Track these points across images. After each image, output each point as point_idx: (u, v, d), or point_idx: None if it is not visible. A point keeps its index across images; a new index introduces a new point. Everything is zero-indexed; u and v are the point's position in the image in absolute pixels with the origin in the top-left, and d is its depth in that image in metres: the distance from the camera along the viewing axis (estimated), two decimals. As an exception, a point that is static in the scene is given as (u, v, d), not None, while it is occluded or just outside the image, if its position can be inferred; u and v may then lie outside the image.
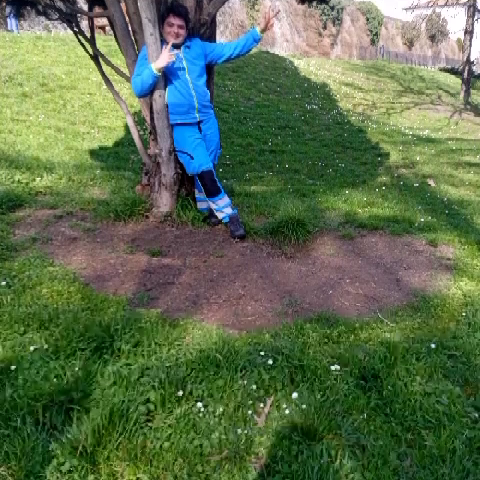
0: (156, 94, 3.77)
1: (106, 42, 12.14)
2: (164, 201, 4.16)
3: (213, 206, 4.01)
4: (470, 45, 19.68)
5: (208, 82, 4.06)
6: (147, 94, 3.81)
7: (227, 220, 4.01)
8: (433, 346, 2.35)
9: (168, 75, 3.75)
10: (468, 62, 19.32)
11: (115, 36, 4.20)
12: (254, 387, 2.06)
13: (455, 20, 28.97)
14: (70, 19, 4.26)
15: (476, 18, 20.50)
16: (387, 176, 6.81)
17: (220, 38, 20.81)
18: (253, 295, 3.05)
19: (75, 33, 4.41)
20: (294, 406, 1.95)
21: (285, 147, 8.83)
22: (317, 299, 3.03)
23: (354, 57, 29.19)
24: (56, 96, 9.48)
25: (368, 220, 4.40)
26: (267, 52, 18.86)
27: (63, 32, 11.81)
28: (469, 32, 19.68)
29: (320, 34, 27.79)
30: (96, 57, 4.51)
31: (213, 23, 4.19)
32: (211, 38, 4.20)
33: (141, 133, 4.76)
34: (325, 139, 9.83)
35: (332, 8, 26.81)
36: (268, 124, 10.42)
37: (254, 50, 18.60)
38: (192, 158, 3.90)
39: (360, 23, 30.32)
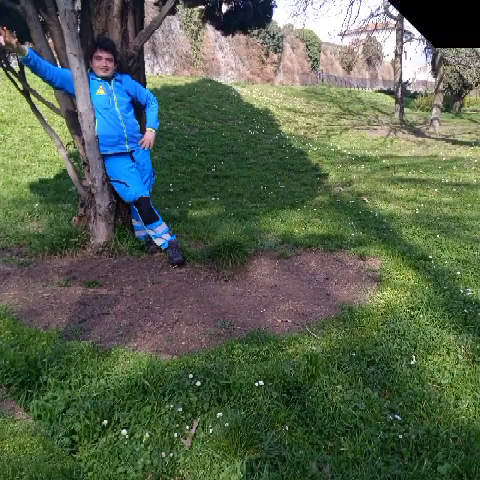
0: (85, 126, 3.81)
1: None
2: (100, 231, 4.17)
3: (151, 233, 4.06)
4: (401, 66, 20.79)
5: (137, 113, 4.15)
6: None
7: (166, 246, 4.06)
8: (354, 354, 2.46)
9: (98, 107, 3.81)
10: (400, 83, 20.39)
11: None
12: (180, 410, 2.09)
13: (388, 43, 30.71)
14: None
15: (405, 40, 21.78)
16: (325, 195, 7.06)
17: (166, 68, 21.11)
18: (188, 320, 3.09)
19: (4, 69, 4.40)
20: (219, 425, 1.99)
21: (229, 172, 9.00)
22: (250, 319, 3.11)
23: (297, 83, 30.21)
24: None
25: (304, 239, 4.55)
26: (210, 80, 19.26)
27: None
28: (399, 55, 20.84)
29: (263, 62, 28.66)
30: (26, 92, 4.52)
31: (141, 55, 4.31)
32: (139, 71, 4.31)
33: (76, 164, 4.77)
34: (268, 163, 10.09)
35: (273, 37, 27.77)
36: (212, 150, 10.61)
37: (197, 79, 18.99)
38: (127, 186, 3.95)
39: (300, 50, 31.50)
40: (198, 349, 2.70)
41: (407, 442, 1.91)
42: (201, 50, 23.37)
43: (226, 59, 26.23)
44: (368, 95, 27.34)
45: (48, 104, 4.53)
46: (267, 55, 28.89)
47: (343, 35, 21.02)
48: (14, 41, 3.30)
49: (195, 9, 19.19)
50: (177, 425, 2.03)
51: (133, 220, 4.34)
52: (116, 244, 4.21)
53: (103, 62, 3.78)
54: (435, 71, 20.15)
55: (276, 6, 4.63)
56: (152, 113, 4.09)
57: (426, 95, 27.85)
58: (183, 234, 4.69)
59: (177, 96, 14.89)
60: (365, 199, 6.47)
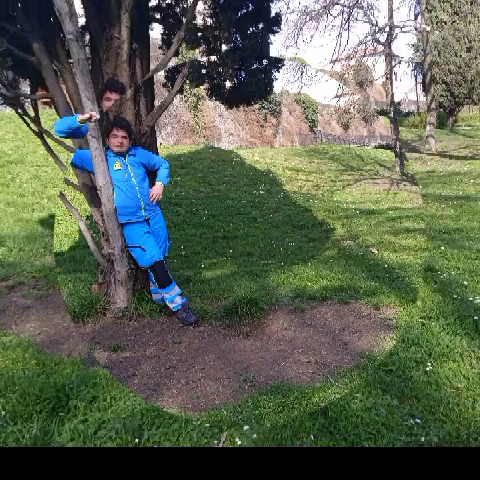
0: (105, 199, 4.07)
1: (52, 116, 12.65)
2: (120, 297, 4.33)
3: (166, 296, 4.21)
4: (391, 89, 20.71)
5: (152, 182, 4.44)
6: (63, 134, 3.98)
7: (179, 308, 4.19)
8: (371, 364, 2.56)
9: (116, 181, 4.10)
10: (393, 103, 20.63)
11: (58, 113, 4.54)
12: (208, 425, 2.17)
13: (378, 66, 31.58)
14: (14, 102, 4.61)
15: (394, 64, 22.24)
16: (333, 249, 7.24)
17: (169, 138, 22.08)
18: (211, 376, 3.18)
19: (20, 115, 4.73)
20: (245, 438, 2.06)
21: (237, 232, 9.26)
22: (272, 372, 3.19)
23: (296, 143, 31.28)
24: (4, 171, 9.70)
25: (317, 292, 4.68)
26: (212, 147, 20.08)
27: (8, 110, 12.27)
28: (389, 78, 21.03)
29: (262, 126, 29.91)
30: (41, 134, 4.82)
31: (152, 132, 4.66)
32: (152, 145, 4.65)
33: (93, 235, 5.00)
34: (275, 221, 10.38)
35: (270, 102, 29.15)
36: (219, 213, 10.95)
37: (200, 146, 19.80)
38: (144, 250, 4.16)
39: (297, 112, 32.88)
40: (224, 403, 2.77)
41: (429, 444, 1.99)
42: (201, 119, 24.49)
43: (226, 126, 27.39)
44: (367, 151, 28.20)
45: (61, 143, 4.72)
46: (265, 119, 30.18)
47: (334, 62, 21.82)
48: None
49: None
50: (205, 440, 2.10)
51: (151, 284, 4.51)
52: (136, 308, 4.35)
53: (119, 139, 4.11)
54: (426, 91, 20.75)
55: (276, 79, 5.05)
56: (163, 171, 4.42)
57: (419, 114, 28.51)
58: (198, 294, 4.83)
59: (182, 164, 15.51)
60: (373, 250, 6.63)
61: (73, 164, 4.20)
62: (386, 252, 6.59)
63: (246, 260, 6.93)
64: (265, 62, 5.15)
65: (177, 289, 4.23)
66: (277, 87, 32.21)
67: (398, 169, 20.36)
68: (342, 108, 33.40)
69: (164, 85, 5.43)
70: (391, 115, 20.49)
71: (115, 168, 4.11)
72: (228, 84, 5.12)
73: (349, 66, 25.07)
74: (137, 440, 2.08)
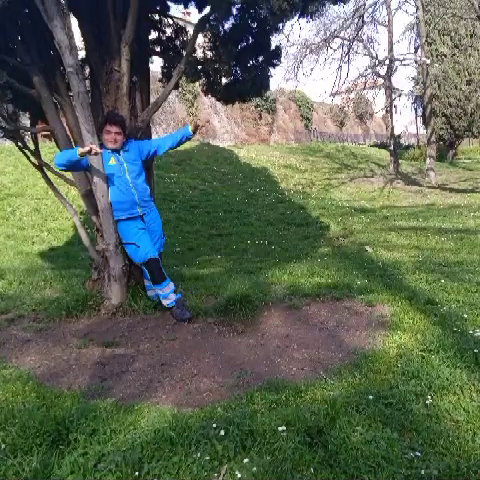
0: (99, 194, 4.06)
1: (52, 149, 12.63)
2: (115, 293, 4.31)
3: (159, 293, 4.20)
4: (391, 121, 21.66)
5: (147, 178, 4.42)
6: (63, 167, 4.00)
7: (173, 305, 4.18)
8: (371, 397, 2.54)
9: (110, 176, 4.08)
10: (392, 136, 21.17)
11: (57, 146, 4.55)
12: (207, 458, 2.15)
13: (378, 99, 32.12)
14: (14, 135, 4.59)
15: (394, 97, 22.82)
16: (328, 247, 7.26)
17: (164, 134, 22.00)
18: (205, 373, 3.17)
19: (20, 148, 4.72)
20: (246, 471, 2.05)
21: (232, 229, 9.27)
22: (266, 368, 3.19)
23: (291, 141, 31.27)
24: (4, 204, 9.68)
25: (311, 289, 4.68)
26: (208, 144, 20.03)
27: (8, 143, 12.24)
28: (389, 111, 21.80)
29: (257, 123, 29.87)
30: (41, 167, 4.82)
31: (148, 127, 4.64)
32: (147, 138, 4.62)
33: (88, 231, 4.99)
34: (269, 218, 10.39)
35: (265, 100, 29.09)
36: (214, 210, 10.94)
37: (195, 143, 19.73)
38: (138, 247, 4.14)
39: (292, 110, 32.85)
40: (218, 400, 2.77)
41: (429, 477, 1.97)
42: (197, 116, 24.43)
43: (221, 123, 27.35)
44: (362, 149, 28.27)
45: (62, 176, 4.81)
46: (260, 117, 30.14)
47: (334, 95, 22.06)
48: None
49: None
50: (205, 473, 2.08)
51: (145, 280, 4.50)
52: (130, 304, 4.34)
53: (113, 135, 4.08)
54: (426, 123, 20.96)
55: (272, 76, 5.03)
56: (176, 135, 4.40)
57: (419, 147, 28.73)
58: (193, 291, 4.82)
59: (177, 160, 15.48)
60: (367, 249, 6.65)
61: (59, 165, 4.00)
62: (380, 250, 6.62)
63: (241, 257, 6.94)
64: (261, 59, 5.13)
65: (171, 286, 4.22)
66: (273, 84, 32.23)
67: (392, 168, 20.47)
68: (338, 106, 33.48)
69: (160, 80, 5.40)
70: (391, 148, 20.76)
71: (109, 163, 4.08)
72: (224, 80, 5.11)
73: (349, 99, 25.30)
74: (137, 473, 2.07)
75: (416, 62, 21.49)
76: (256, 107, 29.25)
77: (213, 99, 5.57)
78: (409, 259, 5.89)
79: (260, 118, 29.96)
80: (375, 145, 34.00)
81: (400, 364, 2.96)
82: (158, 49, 5.48)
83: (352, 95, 26.97)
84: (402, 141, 35.89)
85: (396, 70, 21.49)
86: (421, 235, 7.39)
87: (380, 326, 3.71)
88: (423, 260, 5.76)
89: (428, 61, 19.69)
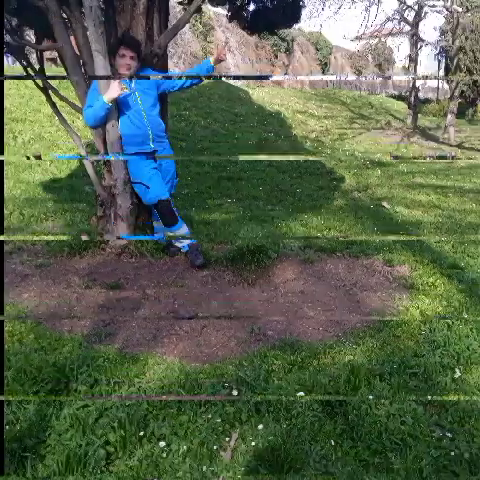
0: (109, 125, 3.74)
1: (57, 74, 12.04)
2: (121, 232, 4.09)
3: (171, 235, 3.98)
4: (415, 72, 20.68)
5: (162, 112, 4.07)
6: (101, 125, 3.78)
7: (186, 249, 3.97)
8: (395, 366, 2.36)
9: (121, 106, 3.74)
10: (414, 88, 20.25)
11: (65, 68, 4.16)
12: (219, 421, 2.00)
13: (400, 48, 30.58)
14: (18, 52, 4.20)
15: (419, 46, 21.67)
16: (343, 200, 6.96)
17: (174, 69, 21.03)
18: (215, 325, 3.00)
19: (24, 67, 4.34)
20: (260, 438, 1.89)
21: (243, 174, 8.91)
22: (280, 325, 3.01)
23: (306, 86, 30.11)
24: (6, 129, 9.26)
25: (327, 244, 4.45)
26: (221, 81, 19.18)
27: (12, 64, 11.59)
28: (413, 60, 20.75)
29: (272, 64, 28.59)
30: (46, 89, 4.45)
31: (165, 54, 4.23)
32: (163, 69, 4.23)
33: (95, 164, 4.69)
34: (282, 165, 9.98)
35: (283, 39, 27.68)
36: (225, 152, 10.52)
37: (207, 80, 18.90)
38: (148, 188, 3.87)
39: (310, 53, 31.40)
40: (229, 356, 2.61)
41: (460, 461, 1.81)
42: (210, 51, 23.30)
43: (235, 61, 26.19)
44: (379, 100, 27.19)
45: (68, 101, 4.46)
46: (276, 58, 28.82)
47: (359, 38, 20.91)
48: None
49: (205, 10, 19.18)
50: (215, 437, 1.93)
51: (154, 222, 4.26)
52: (136, 245, 4.13)
53: (127, 60, 3.71)
54: (450, 77, 19.96)
55: (305, 6, 4.53)
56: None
57: (438, 101, 27.63)
58: (203, 237, 4.60)
59: (188, 96, 14.79)
60: (385, 204, 6.36)
61: (96, 123, 3.76)
62: (398, 207, 6.33)
63: (252, 204, 6.65)
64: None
65: (185, 228, 3.99)
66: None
67: (410, 122, 19.69)
68: (358, 52, 31.98)
69: (180, 3, 4.89)
70: (411, 100, 19.74)
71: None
72: (252, 7, 4.61)
73: (371, 46, 23.84)
74: (142, 432, 1.90)
75: (447, 9, 20.17)
76: (272, 47, 27.89)
77: (227, 34, 5.07)
78: (429, 219, 5.62)
79: (276, 58, 28.66)
80: (393, 96, 32.73)
81: (424, 331, 2.77)
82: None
83: (375, 40, 25.66)
84: (420, 94, 34.52)
85: (425, 16, 20.25)
86: (441, 194, 7.07)
87: (401, 288, 3.51)
88: (443, 221, 5.49)
89: (460, 9, 18.45)
